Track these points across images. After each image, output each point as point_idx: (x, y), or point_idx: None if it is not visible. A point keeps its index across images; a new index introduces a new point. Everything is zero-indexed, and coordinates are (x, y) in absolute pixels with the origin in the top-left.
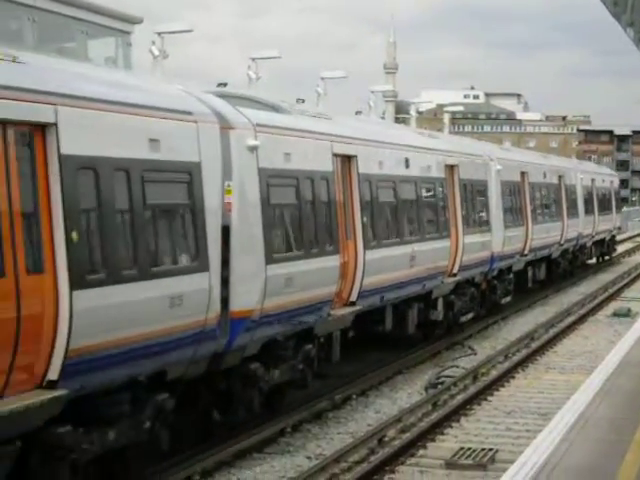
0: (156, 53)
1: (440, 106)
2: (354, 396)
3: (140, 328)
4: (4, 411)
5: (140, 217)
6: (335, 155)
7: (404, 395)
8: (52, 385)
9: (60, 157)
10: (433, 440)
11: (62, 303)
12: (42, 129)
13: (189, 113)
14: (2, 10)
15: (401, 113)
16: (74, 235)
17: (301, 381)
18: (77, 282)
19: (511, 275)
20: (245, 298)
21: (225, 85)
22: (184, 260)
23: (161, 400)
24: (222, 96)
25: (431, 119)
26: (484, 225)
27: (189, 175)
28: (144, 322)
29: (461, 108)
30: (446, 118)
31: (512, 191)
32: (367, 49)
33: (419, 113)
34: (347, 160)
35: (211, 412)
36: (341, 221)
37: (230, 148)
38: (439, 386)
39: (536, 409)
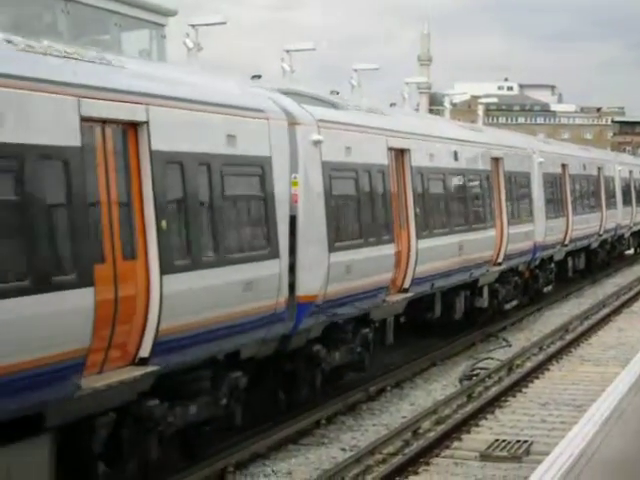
0: (190, 46)
1: (474, 98)
2: (388, 388)
3: (219, 311)
4: (103, 385)
5: (219, 208)
6: (390, 149)
7: (439, 387)
8: (143, 362)
9: (151, 153)
10: (468, 432)
11: (153, 287)
12: (135, 127)
13: (261, 111)
14: (36, 2)
15: (435, 105)
16: (163, 224)
17: (359, 363)
18: (166, 268)
19: (552, 265)
20: (310, 284)
21: (259, 77)
22: (257, 248)
23: (235, 378)
24: (284, 93)
25: (465, 111)
26: (527, 216)
27: (261, 169)
28: (222, 305)
29: (495, 100)
30: (480, 110)
31: (553, 183)
32: (401, 41)
33: (453, 105)
34: (401, 153)
35: (277, 391)
36: (396, 212)
37: (297, 143)
38: (474, 378)
39: (571, 401)
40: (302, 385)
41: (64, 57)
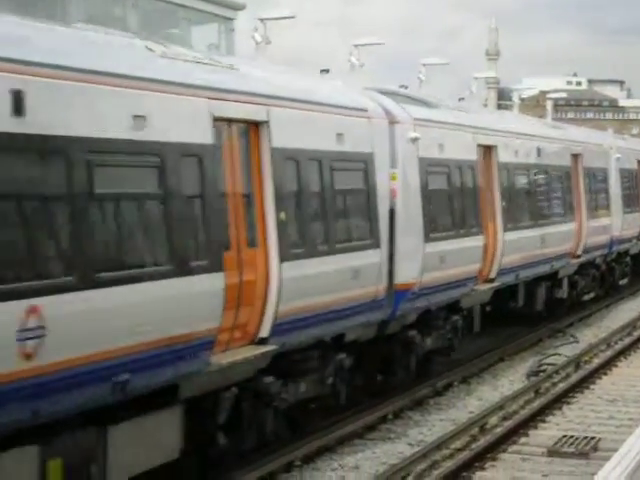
0: (259, 40)
1: (542, 93)
2: (455, 383)
3: (329, 296)
4: (228, 362)
5: (330, 201)
6: (479, 145)
7: (506, 382)
8: (263, 342)
9: (271, 150)
10: (535, 428)
11: (272, 273)
12: (257, 126)
13: (365, 110)
14: None
15: (503, 100)
16: (282, 215)
17: (449, 348)
18: (284, 255)
19: (628, 258)
20: (407, 272)
21: (327, 72)
22: (362, 238)
23: (341, 359)
24: (381, 93)
25: (533, 106)
26: (605, 210)
27: (365, 164)
28: (332, 291)
29: (564, 95)
30: (549, 105)
31: (629, 178)
32: (468, 35)
33: (521, 100)
34: (488, 150)
35: (374, 374)
36: (484, 205)
37: (395, 140)
38: (541, 374)
39: (639, 398)
40: (398, 368)
41: (195, 62)
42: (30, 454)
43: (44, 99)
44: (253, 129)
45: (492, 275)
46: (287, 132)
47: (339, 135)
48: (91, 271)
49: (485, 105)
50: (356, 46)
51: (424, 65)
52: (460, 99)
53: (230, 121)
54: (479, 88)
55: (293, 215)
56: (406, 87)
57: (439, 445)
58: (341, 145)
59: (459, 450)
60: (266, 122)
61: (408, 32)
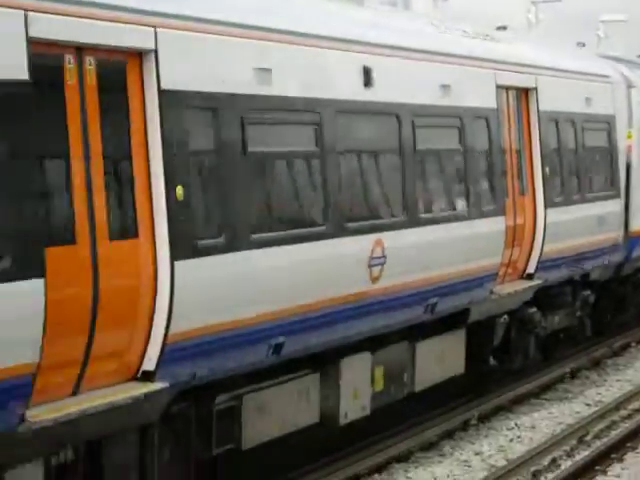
0: None
1: None
2: (633, 344)
3: (580, 239)
4: (504, 293)
5: (581, 156)
6: None
7: None
8: (529, 277)
9: (539, 112)
10: None
11: (539, 217)
12: (526, 92)
13: (607, 76)
14: None
15: None
16: (547, 170)
17: None
18: (548, 202)
19: None
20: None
21: (505, 29)
22: (605, 189)
23: (586, 295)
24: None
25: None
26: None
27: (608, 125)
28: (584, 234)
29: None
30: None
31: None
32: None
33: None
34: None
35: (608, 311)
36: None
37: (631, 102)
38: None
39: None
40: (629, 306)
41: (475, 37)
42: (367, 359)
43: (385, 74)
44: (523, 95)
45: None
46: (550, 97)
47: (587, 99)
48: (416, 212)
49: None
50: (533, 2)
51: (602, 22)
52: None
53: (507, 88)
54: None
55: (553, 168)
56: (584, 45)
57: (617, 406)
58: (589, 108)
59: (637, 411)
60: (535, 88)
61: None
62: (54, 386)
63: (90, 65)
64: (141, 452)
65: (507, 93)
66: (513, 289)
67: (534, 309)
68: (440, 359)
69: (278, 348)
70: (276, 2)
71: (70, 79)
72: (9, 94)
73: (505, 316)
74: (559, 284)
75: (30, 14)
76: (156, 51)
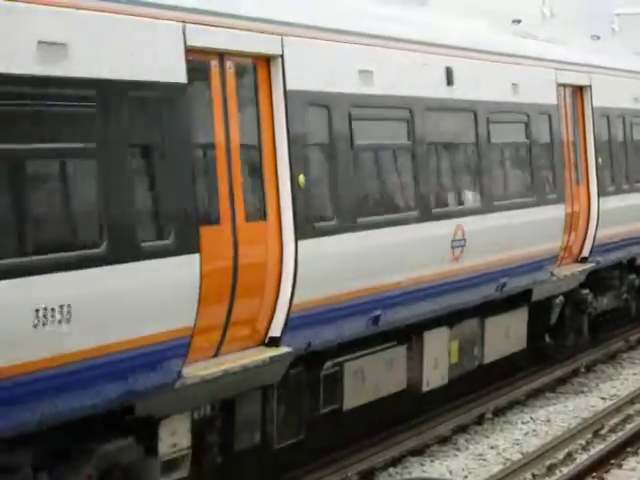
0: None
1: None
2: None
3: (627, 226)
4: (562, 275)
5: (630, 149)
6: None
7: None
8: (583, 260)
9: (592, 108)
10: None
11: (593, 205)
12: (581, 89)
13: None
14: None
15: None
16: (599, 160)
17: None
18: (601, 191)
19: None
20: None
21: (519, 22)
22: None
23: (632, 279)
24: None
25: None
26: None
27: None
28: (630, 221)
29: None
30: None
31: None
32: None
33: None
34: None
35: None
36: None
37: None
38: None
39: None
40: None
41: (540, 40)
42: (445, 333)
43: (464, 74)
44: (578, 92)
45: None
46: (602, 94)
47: (636, 96)
48: (491, 199)
49: None
50: None
51: (617, 15)
52: None
53: (564, 86)
54: None
55: (605, 160)
56: (598, 37)
57: (632, 399)
58: (637, 104)
59: None
60: (589, 86)
61: None
62: (202, 348)
63: (230, 68)
64: (263, 410)
65: (565, 90)
66: (570, 271)
67: (587, 290)
68: (506, 334)
69: (376, 320)
70: (371, 10)
71: (215, 81)
72: (172, 95)
73: (561, 297)
74: (608, 268)
75: (188, 26)
76: (282, 56)
